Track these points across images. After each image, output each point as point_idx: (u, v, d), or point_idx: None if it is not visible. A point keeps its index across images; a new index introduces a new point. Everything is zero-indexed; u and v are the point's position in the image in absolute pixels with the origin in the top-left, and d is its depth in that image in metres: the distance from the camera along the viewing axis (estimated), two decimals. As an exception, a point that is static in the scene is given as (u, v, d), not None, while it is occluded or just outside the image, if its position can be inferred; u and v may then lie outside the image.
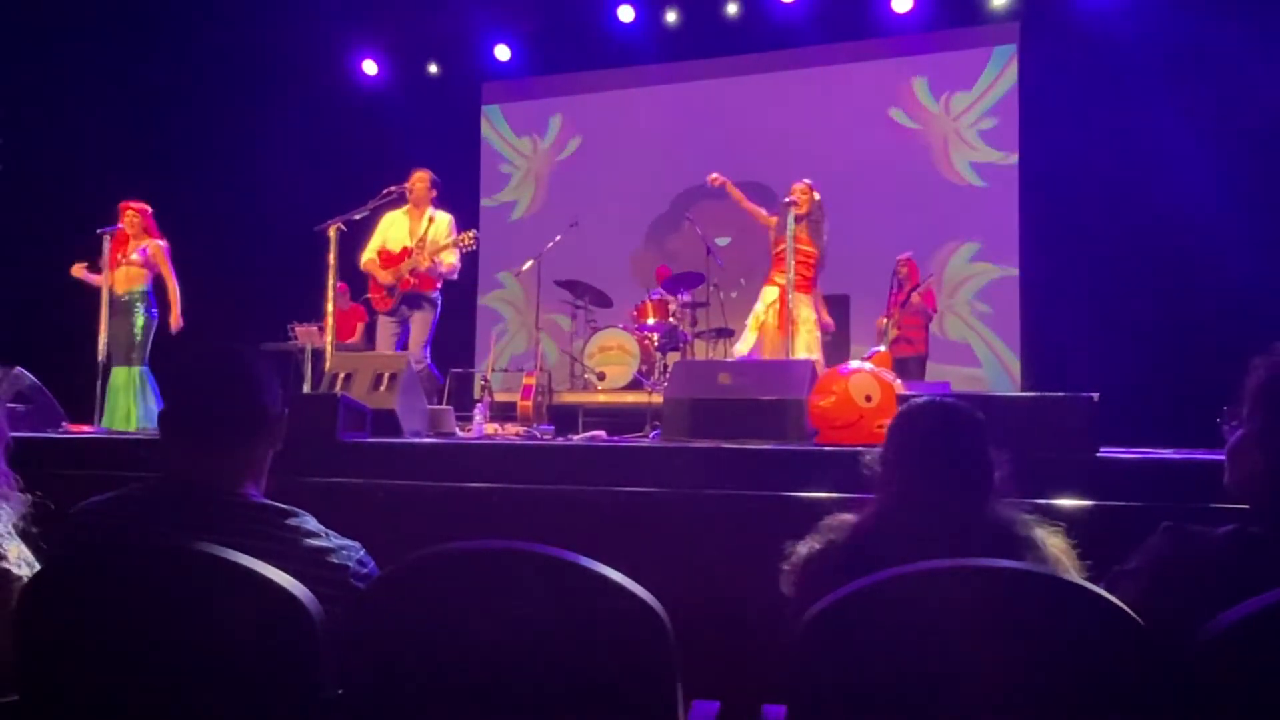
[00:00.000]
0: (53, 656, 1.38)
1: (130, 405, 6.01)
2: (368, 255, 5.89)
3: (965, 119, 8.62)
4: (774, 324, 5.87)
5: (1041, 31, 8.31)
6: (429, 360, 5.80)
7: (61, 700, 1.39)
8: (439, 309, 5.90)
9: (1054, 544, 1.67)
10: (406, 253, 5.76)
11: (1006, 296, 8.34)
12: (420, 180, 5.83)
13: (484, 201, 9.98)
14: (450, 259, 5.79)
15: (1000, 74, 8.53)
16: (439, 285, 5.89)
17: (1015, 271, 8.30)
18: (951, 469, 1.70)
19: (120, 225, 6.22)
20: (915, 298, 7.04)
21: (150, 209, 6.35)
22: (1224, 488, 1.53)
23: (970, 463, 1.71)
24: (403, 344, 5.78)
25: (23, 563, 1.79)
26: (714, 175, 6.41)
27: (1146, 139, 7.24)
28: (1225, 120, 6.95)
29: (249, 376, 1.61)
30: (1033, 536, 1.65)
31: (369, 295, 5.96)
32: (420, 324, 5.78)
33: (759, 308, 6.07)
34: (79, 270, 6.26)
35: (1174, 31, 7.26)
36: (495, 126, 10.20)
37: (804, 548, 1.75)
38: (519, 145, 10.12)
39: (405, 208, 5.85)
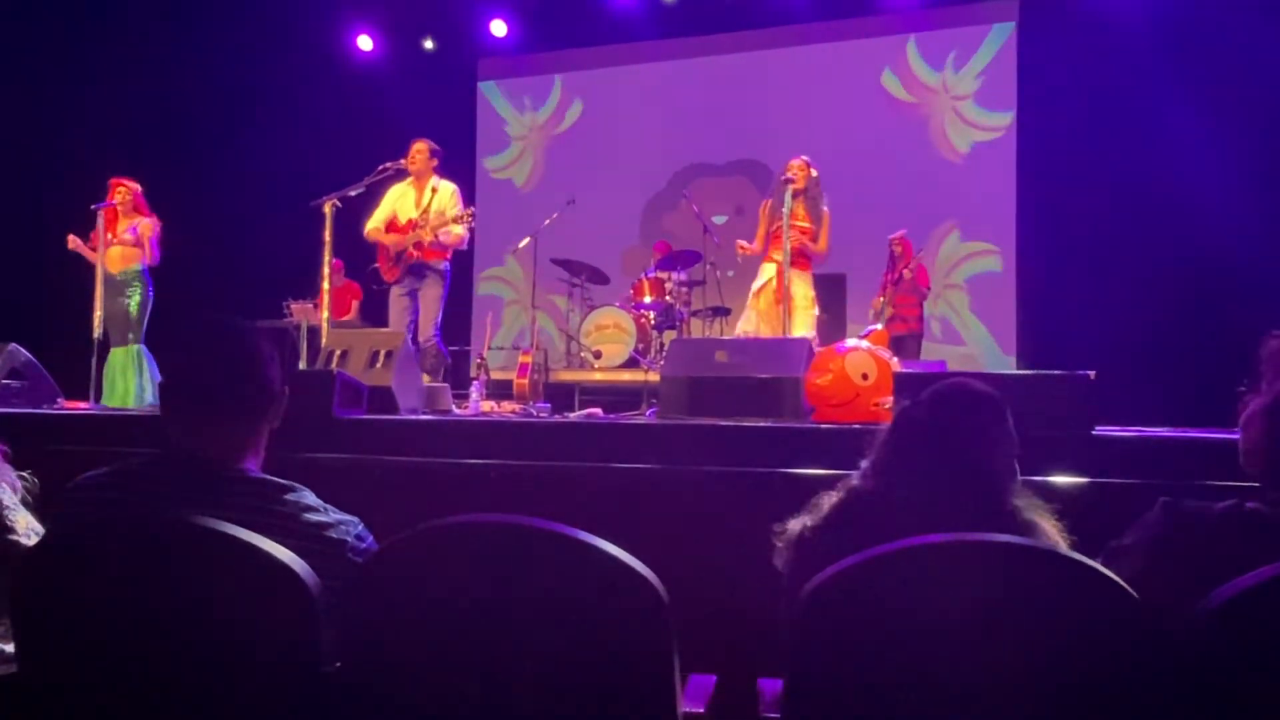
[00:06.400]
0: (50, 631, 1.38)
1: (128, 384, 5.99)
2: (373, 224, 5.82)
3: (963, 95, 8.58)
4: (769, 301, 5.79)
5: (1041, 8, 8.26)
6: (438, 338, 5.77)
7: (59, 674, 1.39)
8: (448, 282, 5.82)
9: (1047, 520, 1.67)
10: (412, 225, 5.73)
11: (1002, 275, 8.34)
12: (419, 152, 5.78)
13: (480, 178, 9.94)
14: (457, 230, 5.74)
15: (999, 51, 8.49)
16: (448, 256, 5.83)
17: (1011, 249, 8.30)
18: (954, 450, 1.69)
19: (112, 201, 6.18)
20: (907, 274, 7.04)
21: (140, 188, 6.30)
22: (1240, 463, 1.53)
23: (974, 445, 1.70)
24: (414, 318, 5.73)
25: (31, 532, 1.80)
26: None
27: (1146, 117, 7.22)
28: (1225, 99, 6.92)
29: (252, 351, 1.60)
30: (1030, 515, 1.65)
31: (376, 265, 5.92)
32: (430, 301, 5.73)
33: (756, 285, 5.97)
34: (74, 242, 6.21)
35: (1175, 10, 7.22)
36: (491, 102, 10.14)
37: (797, 524, 1.75)
38: (515, 121, 10.07)
39: (409, 180, 5.81)
